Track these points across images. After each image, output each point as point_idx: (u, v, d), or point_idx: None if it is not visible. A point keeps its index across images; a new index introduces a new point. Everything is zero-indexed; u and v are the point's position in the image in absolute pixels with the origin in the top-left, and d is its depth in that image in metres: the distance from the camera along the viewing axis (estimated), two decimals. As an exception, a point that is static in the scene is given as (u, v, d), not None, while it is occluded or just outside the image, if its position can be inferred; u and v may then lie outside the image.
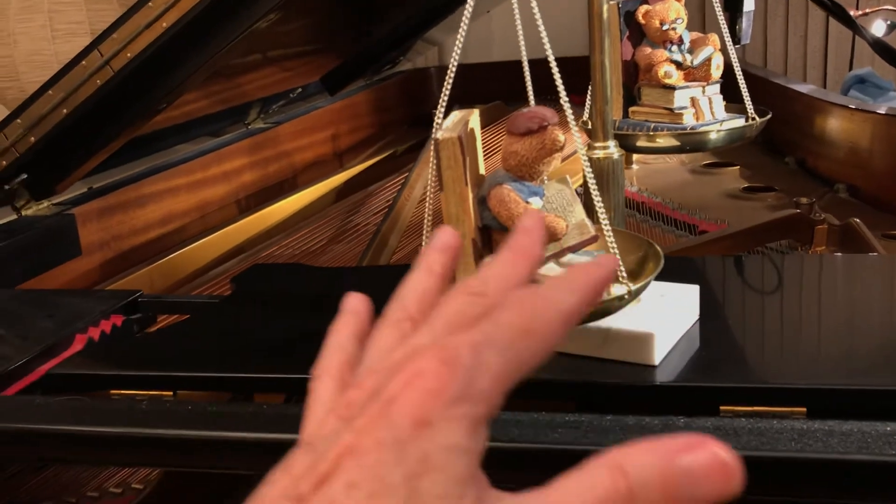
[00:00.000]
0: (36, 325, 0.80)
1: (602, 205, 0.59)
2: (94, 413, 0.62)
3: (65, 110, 1.00)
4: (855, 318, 0.73)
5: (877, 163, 1.30)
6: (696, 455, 0.22)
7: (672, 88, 0.82)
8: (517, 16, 0.64)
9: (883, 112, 1.29)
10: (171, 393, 0.69)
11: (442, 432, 0.23)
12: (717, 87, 0.84)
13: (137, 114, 1.07)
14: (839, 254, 1.07)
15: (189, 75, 1.03)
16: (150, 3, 0.94)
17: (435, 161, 0.56)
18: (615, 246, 0.58)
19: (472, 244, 0.57)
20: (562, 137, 0.57)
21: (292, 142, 1.71)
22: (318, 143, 1.81)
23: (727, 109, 0.85)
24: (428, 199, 0.62)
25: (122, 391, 0.70)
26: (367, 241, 1.25)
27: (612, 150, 0.74)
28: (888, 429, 0.50)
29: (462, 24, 0.61)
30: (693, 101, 0.82)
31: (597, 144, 0.75)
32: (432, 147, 0.56)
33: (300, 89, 1.71)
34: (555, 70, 0.58)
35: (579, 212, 0.62)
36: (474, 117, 0.60)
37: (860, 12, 1.53)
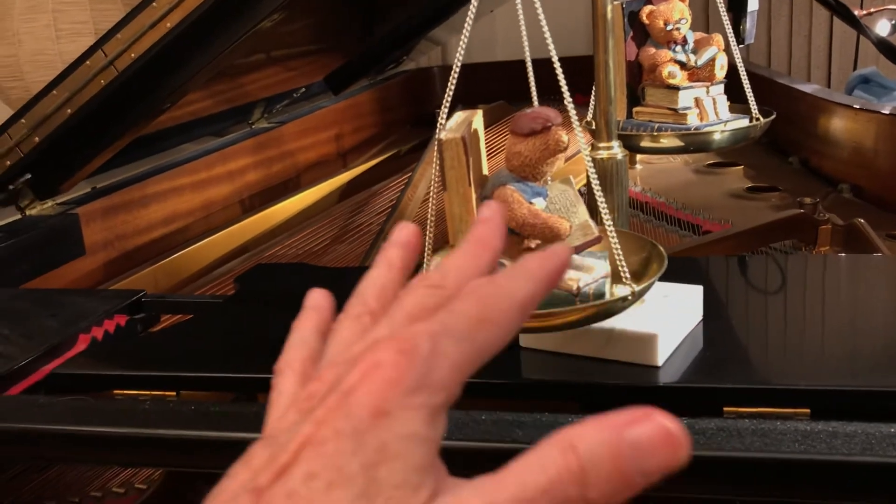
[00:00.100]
0: (40, 324, 0.80)
1: (605, 205, 0.59)
2: (97, 413, 0.62)
3: (69, 110, 1.01)
4: (859, 318, 0.73)
5: (881, 163, 1.29)
6: (642, 427, 0.23)
7: (676, 89, 0.82)
8: (521, 15, 0.64)
9: (887, 112, 1.29)
10: (174, 393, 0.69)
11: (400, 422, 0.23)
12: (721, 87, 0.84)
13: (141, 114, 1.07)
14: (843, 254, 1.07)
15: (193, 75, 1.03)
16: (154, 4, 0.94)
17: (438, 161, 0.56)
18: (618, 247, 0.58)
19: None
20: (565, 138, 0.56)
21: (296, 141, 1.71)
22: (322, 142, 1.81)
23: (731, 109, 0.85)
24: (431, 199, 0.62)
25: (126, 391, 0.70)
26: (370, 241, 1.25)
27: (616, 150, 0.74)
28: (892, 430, 0.50)
29: (466, 24, 0.61)
30: (697, 101, 0.82)
31: (600, 145, 0.75)
32: (436, 147, 0.56)
33: (304, 89, 1.72)
34: (558, 70, 0.58)
35: (583, 212, 0.62)
36: (478, 117, 0.60)
37: (864, 12, 1.53)
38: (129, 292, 0.87)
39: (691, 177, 1.48)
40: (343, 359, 0.26)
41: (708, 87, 0.83)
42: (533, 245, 0.59)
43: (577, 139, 0.60)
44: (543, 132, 0.56)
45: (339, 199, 1.58)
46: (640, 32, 0.84)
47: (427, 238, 0.63)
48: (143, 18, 0.95)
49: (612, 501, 0.23)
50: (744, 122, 0.84)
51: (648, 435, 0.23)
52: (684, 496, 0.54)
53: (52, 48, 1.77)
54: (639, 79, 0.85)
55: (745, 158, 1.53)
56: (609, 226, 0.58)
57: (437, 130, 0.58)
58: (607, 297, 0.58)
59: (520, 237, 0.58)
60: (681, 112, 0.82)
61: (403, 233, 0.32)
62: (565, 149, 0.57)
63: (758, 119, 0.84)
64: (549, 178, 0.60)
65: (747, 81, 0.82)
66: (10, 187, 1.08)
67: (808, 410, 0.56)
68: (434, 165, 0.57)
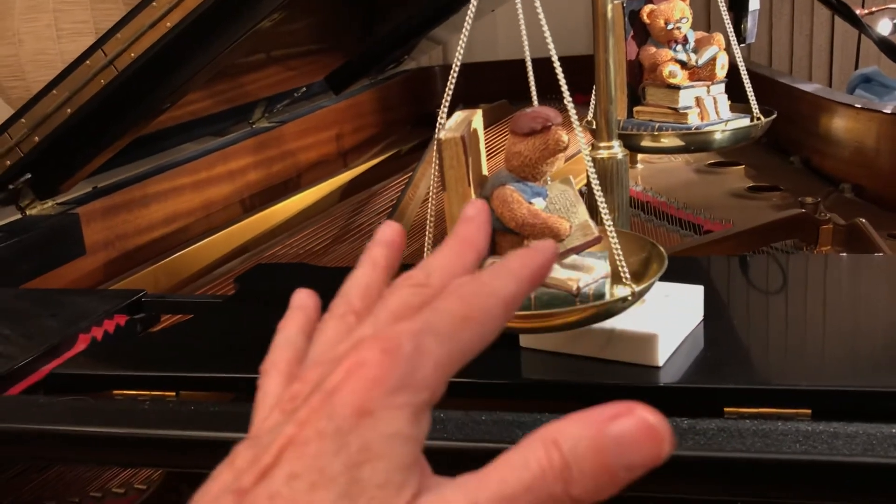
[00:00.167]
0: (40, 324, 0.80)
1: (606, 205, 0.58)
2: (96, 413, 0.62)
3: (69, 110, 1.01)
4: (860, 318, 0.73)
5: (882, 162, 1.29)
6: (625, 422, 0.23)
7: (677, 88, 0.81)
8: (521, 15, 0.64)
9: (889, 111, 1.29)
10: (173, 393, 0.69)
11: (383, 421, 0.23)
12: (722, 86, 0.84)
13: (141, 113, 1.07)
14: (844, 254, 1.06)
15: (193, 75, 1.03)
16: (154, 3, 0.94)
17: (438, 161, 0.56)
18: (618, 247, 0.58)
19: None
20: (565, 137, 0.56)
21: (296, 141, 1.71)
22: (323, 142, 1.81)
23: (732, 109, 0.85)
24: (430, 199, 0.62)
25: (125, 391, 0.70)
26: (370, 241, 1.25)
27: (617, 150, 0.74)
28: (894, 431, 0.49)
29: (465, 23, 0.61)
30: (698, 100, 0.82)
31: (601, 144, 0.75)
32: (435, 147, 0.56)
33: (304, 88, 1.71)
34: (558, 69, 0.58)
35: (583, 212, 0.62)
36: (477, 117, 0.59)
37: (866, 11, 1.53)
38: (129, 292, 0.87)
39: (692, 176, 1.48)
40: (327, 359, 0.26)
41: (709, 87, 0.83)
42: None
43: (578, 139, 0.60)
44: (543, 132, 0.55)
45: (339, 199, 1.57)
46: (641, 31, 0.84)
47: (427, 238, 0.63)
48: (143, 18, 0.95)
49: (596, 497, 0.23)
50: (745, 122, 0.83)
51: (631, 429, 0.23)
52: (685, 497, 0.54)
53: (53, 48, 1.77)
54: (639, 78, 0.85)
55: (746, 158, 1.53)
56: (609, 226, 0.58)
57: (437, 130, 0.57)
58: (607, 297, 0.58)
59: (519, 237, 0.58)
60: (681, 111, 0.81)
61: (387, 232, 0.32)
62: (565, 148, 0.56)
63: (759, 118, 0.84)
64: (548, 178, 0.60)
65: (748, 80, 0.81)
66: (11, 187, 1.08)
67: (809, 411, 0.56)
68: (433, 165, 0.57)
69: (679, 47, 0.82)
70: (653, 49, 0.83)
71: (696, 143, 0.81)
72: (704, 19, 2.67)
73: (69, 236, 1.11)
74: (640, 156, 1.52)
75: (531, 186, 0.57)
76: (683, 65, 0.82)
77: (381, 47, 1.82)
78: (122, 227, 1.22)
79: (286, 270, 1.03)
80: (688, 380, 0.61)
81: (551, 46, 0.58)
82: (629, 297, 0.57)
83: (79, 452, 0.64)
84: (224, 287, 1.12)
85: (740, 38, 0.88)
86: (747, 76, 0.81)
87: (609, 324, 0.62)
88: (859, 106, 1.37)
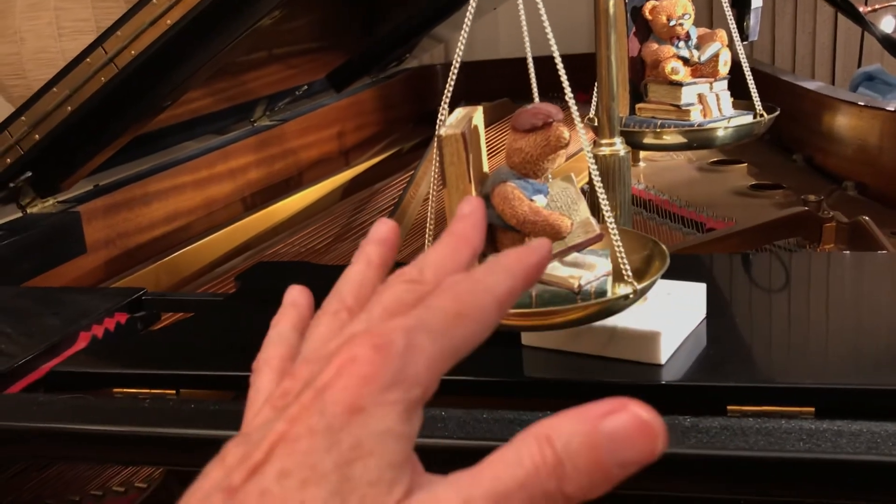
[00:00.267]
0: (40, 322, 0.79)
1: (607, 203, 0.58)
2: (96, 411, 0.62)
3: (69, 107, 1.00)
4: (864, 316, 0.73)
5: (886, 160, 1.29)
6: (618, 418, 0.23)
7: (679, 85, 0.81)
8: (522, 13, 0.64)
9: (892, 109, 1.28)
10: (174, 391, 0.68)
11: (375, 418, 0.23)
12: (725, 83, 0.83)
13: (142, 111, 1.07)
14: (847, 252, 1.06)
15: (193, 72, 1.02)
16: (154, 1, 0.94)
17: (438, 158, 0.56)
18: (620, 244, 0.57)
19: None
20: (566, 134, 0.56)
21: (298, 139, 1.70)
22: (324, 140, 1.81)
23: (735, 106, 0.85)
24: (431, 196, 0.62)
25: (125, 389, 0.69)
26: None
27: (619, 147, 0.74)
28: (898, 429, 0.49)
29: (466, 21, 0.60)
30: (700, 97, 0.81)
31: (603, 141, 0.74)
32: (435, 143, 0.56)
33: (306, 87, 1.71)
34: (560, 67, 0.57)
35: (584, 210, 0.62)
36: (478, 114, 0.59)
37: (869, 8, 1.52)
38: (130, 290, 0.87)
39: (695, 174, 1.48)
40: (318, 355, 0.26)
41: (711, 84, 0.82)
42: (534, 242, 0.59)
43: (580, 136, 0.60)
44: (544, 128, 0.55)
45: (340, 198, 1.57)
46: (643, 28, 0.84)
47: (427, 236, 0.63)
48: (144, 15, 0.94)
49: (589, 494, 0.23)
50: (748, 119, 0.83)
51: (624, 425, 0.23)
52: (688, 496, 0.54)
53: (55, 46, 1.77)
54: (641, 75, 0.85)
55: (748, 156, 1.53)
56: (611, 223, 0.58)
57: (438, 127, 0.57)
58: (609, 295, 0.58)
59: (520, 234, 0.57)
60: (684, 108, 0.81)
61: (381, 229, 0.32)
62: (566, 145, 0.56)
63: (762, 115, 0.83)
64: (549, 175, 0.60)
65: (751, 77, 0.81)
66: (11, 185, 1.08)
67: (812, 409, 0.56)
68: (434, 162, 0.57)
69: (681, 44, 0.82)
70: (655, 45, 0.83)
71: (698, 139, 0.81)
72: (707, 16, 2.67)
73: (70, 234, 1.11)
74: (642, 154, 1.51)
75: (532, 183, 0.57)
76: (686, 61, 0.82)
77: (382, 45, 1.81)
78: (122, 225, 1.22)
79: (287, 268, 1.03)
80: (690, 378, 0.61)
81: (552, 42, 0.57)
82: (631, 295, 0.57)
83: (79, 451, 0.64)
84: (225, 285, 1.12)
85: (743, 35, 0.88)
86: (750, 72, 0.81)
87: (611, 322, 0.61)
88: (862, 104, 1.36)
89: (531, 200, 0.56)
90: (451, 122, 0.57)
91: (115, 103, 1.03)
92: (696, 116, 0.81)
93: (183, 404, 0.62)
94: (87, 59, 0.98)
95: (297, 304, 0.33)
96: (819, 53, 2.72)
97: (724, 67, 0.82)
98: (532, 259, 0.28)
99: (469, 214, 0.30)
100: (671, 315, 0.64)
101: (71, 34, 1.75)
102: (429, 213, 0.62)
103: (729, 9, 0.84)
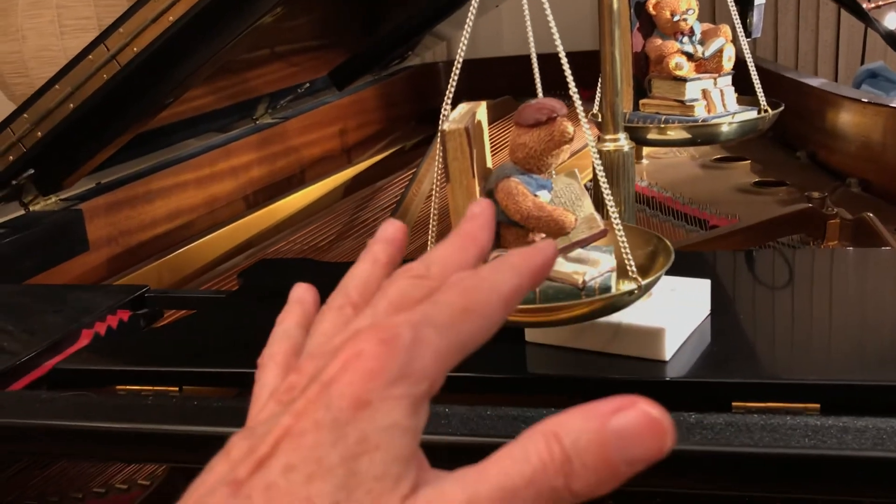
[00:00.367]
0: (43, 320, 0.79)
1: (612, 198, 0.58)
2: (99, 409, 0.62)
3: (71, 105, 1.00)
4: (868, 312, 0.72)
5: (889, 157, 1.28)
6: (627, 415, 0.23)
7: (683, 80, 0.81)
8: (526, 9, 0.63)
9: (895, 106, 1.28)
10: (176, 389, 0.68)
11: (381, 412, 0.23)
12: (729, 78, 0.83)
13: (144, 108, 1.07)
14: (851, 248, 1.06)
15: (195, 69, 1.02)
16: (156, -3, 0.93)
17: (441, 153, 0.55)
18: (625, 240, 0.57)
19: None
20: (570, 129, 0.56)
21: (300, 137, 1.70)
22: (326, 138, 1.81)
23: (739, 102, 0.84)
24: (434, 192, 0.62)
25: (128, 387, 0.69)
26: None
27: (623, 142, 0.74)
28: (904, 425, 0.49)
29: (468, 19, 0.60)
30: (704, 92, 0.81)
31: (607, 137, 0.74)
32: (439, 139, 0.55)
33: (308, 84, 1.71)
34: (564, 62, 0.57)
35: (588, 206, 0.61)
36: (481, 109, 0.59)
37: (873, 5, 1.51)
38: (132, 288, 0.87)
39: (698, 171, 1.47)
40: (324, 350, 0.26)
41: (716, 79, 0.82)
42: (537, 238, 0.58)
43: (584, 132, 0.59)
44: (548, 123, 0.55)
45: (343, 195, 1.57)
46: (647, 23, 0.83)
47: (430, 234, 0.63)
48: (146, 12, 0.94)
49: (596, 491, 0.23)
50: (752, 114, 0.83)
51: (633, 423, 0.23)
52: (693, 492, 0.54)
53: (57, 44, 1.77)
54: (645, 70, 0.85)
55: (752, 153, 1.52)
56: (615, 219, 0.57)
57: (441, 122, 0.57)
58: (613, 291, 0.58)
59: (524, 230, 0.57)
60: (688, 104, 0.81)
61: (389, 229, 0.32)
62: (571, 140, 0.56)
63: (766, 111, 0.83)
64: (553, 170, 0.60)
65: (755, 72, 0.81)
66: (14, 183, 1.08)
67: (817, 405, 0.55)
68: (437, 157, 0.57)
69: (685, 39, 0.82)
70: (659, 41, 0.83)
71: (702, 135, 0.81)
72: (710, 13, 2.66)
73: (72, 232, 1.11)
74: (645, 151, 1.51)
75: (536, 179, 0.57)
76: (690, 57, 0.81)
77: (384, 43, 1.81)
78: (125, 222, 1.22)
79: (289, 266, 1.02)
80: (695, 374, 0.60)
81: (556, 37, 0.57)
82: (635, 291, 0.56)
83: (82, 448, 0.64)
84: (228, 283, 1.12)
85: (746, 31, 0.88)
86: (754, 68, 0.80)
87: (615, 318, 0.61)
88: (866, 100, 1.36)
89: (535, 196, 0.56)
90: (454, 117, 0.57)
91: (118, 101, 1.03)
92: (700, 112, 0.81)
93: (186, 401, 0.62)
94: (90, 57, 0.98)
95: (302, 301, 0.33)
96: (822, 50, 2.71)
97: (728, 63, 0.82)
98: (538, 259, 0.28)
99: (478, 215, 0.30)
100: (676, 311, 0.64)
101: (73, 32, 1.75)
102: (432, 210, 0.61)
103: (733, 5, 0.83)
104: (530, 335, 0.66)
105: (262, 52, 1.43)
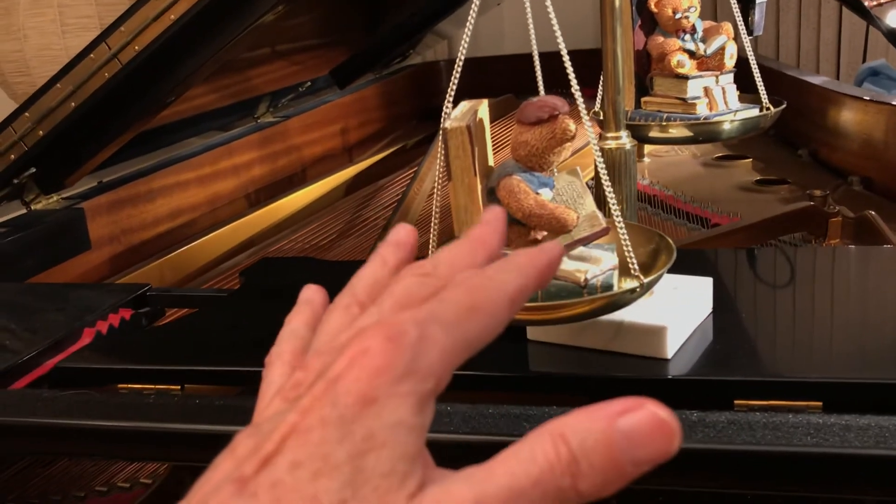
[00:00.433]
0: (45, 318, 0.79)
1: (614, 196, 0.58)
2: (101, 407, 0.62)
3: (73, 103, 1.00)
4: (870, 310, 0.72)
5: (891, 155, 1.28)
6: (635, 416, 0.23)
7: (685, 78, 0.81)
8: (528, 7, 0.63)
9: (898, 103, 1.28)
10: (178, 387, 0.68)
11: (388, 409, 0.23)
12: (731, 76, 0.83)
13: (146, 107, 1.07)
14: (853, 246, 1.05)
15: (197, 68, 1.02)
16: (157, -4, 0.93)
17: (443, 151, 0.55)
18: (627, 238, 0.57)
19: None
20: (572, 126, 0.56)
21: (302, 136, 1.70)
22: (328, 136, 1.81)
23: (740, 99, 0.84)
24: (436, 190, 0.62)
25: (130, 385, 0.69)
26: (376, 236, 1.25)
27: (625, 140, 0.73)
28: (907, 423, 0.49)
29: (470, 17, 0.60)
30: (706, 90, 0.81)
31: (609, 135, 0.74)
32: (440, 137, 0.55)
33: (309, 83, 1.71)
34: (566, 58, 0.57)
35: (590, 204, 0.61)
36: (483, 107, 0.59)
37: (875, 2, 1.51)
38: (134, 286, 0.87)
39: (700, 170, 1.47)
40: (330, 347, 0.26)
41: (717, 77, 0.82)
42: (539, 236, 0.58)
43: (585, 130, 0.59)
44: (550, 121, 0.55)
45: (345, 194, 1.57)
46: (649, 21, 0.83)
47: (432, 232, 0.63)
48: (147, 11, 0.94)
49: (602, 492, 0.23)
50: (754, 112, 0.83)
51: (641, 424, 0.23)
52: (696, 490, 0.54)
53: (58, 43, 1.77)
54: (647, 68, 0.84)
55: (753, 151, 1.52)
56: (617, 217, 0.57)
57: (443, 120, 0.57)
58: (615, 288, 0.58)
59: (526, 228, 0.57)
60: (690, 102, 0.81)
61: (401, 233, 0.32)
62: (572, 138, 0.56)
63: (768, 108, 0.83)
64: (555, 168, 0.60)
65: (757, 70, 0.81)
66: (15, 181, 1.08)
67: (820, 403, 0.55)
68: (439, 155, 0.57)
69: (687, 37, 0.82)
70: (661, 38, 0.83)
71: (704, 133, 0.80)
72: (711, 11, 2.66)
73: (74, 231, 1.11)
74: (646, 149, 1.51)
75: (538, 177, 0.57)
76: (692, 54, 0.81)
77: (385, 42, 1.81)
78: (127, 221, 1.22)
79: (291, 264, 1.02)
80: (697, 372, 0.60)
81: (558, 35, 0.57)
82: (637, 289, 0.56)
83: (83, 446, 0.64)
84: (229, 282, 1.12)
85: (748, 30, 0.88)
86: (756, 66, 0.80)
87: (617, 316, 0.61)
88: (868, 98, 1.36)
89: (537, 194, 0.56)
90: (455, 115, 0.57)
91: (119, 99, 1.03)
92: (701, 110, 0.81)
93: (188, 400, 0.62)
94: (91, 55, 0.98)
95: (311, 301, 0.33)
96: (823, 48, 2.71)
97: (729, 60, 0.82)
98: (543, 260, 0.28)
99: (491, 221, 0.30)
100: (678, 309, 0.64)
101: (75, 31, 1.75)
102: (433, 209, 0.61)
103: (734, 3, 0.83)
104: (532, 333, 0.66)
105: (264, 50, 1.43)
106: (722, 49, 0.81)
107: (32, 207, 1.14)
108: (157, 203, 1.28)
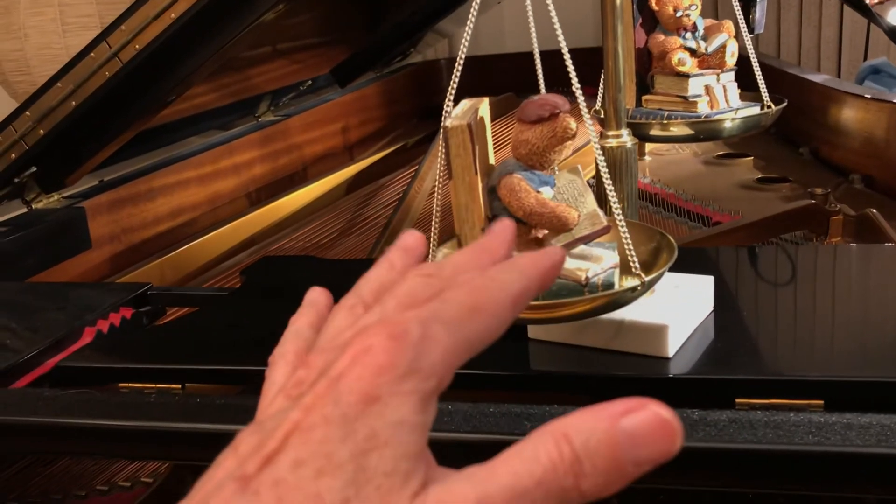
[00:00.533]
0: (45, 317, 0.79)
1: (615, 195, 0.58)
2: (102, 406, 0.62)
3: (74, 102, 1.00)
4: (872, 308, 0.72)
5: (892, 153, 1.28)
6: (637, 416, 0.23)
7: (686, 76, 0.80)
8: (528, 6, 0.63)
9: (899, 101, 1.28)
10: (179, 386, 0.68)
11: (390, 408, 0.23)
12: (732, 74, 0.83)
13: (146, 106, 1.07)
14: (854, 244, 1.05)
15: (198, 67, 1.02)
16: (157, -5, 0.93)
17: (444, 150, 0.55)
18: (628, 236, 0.57)
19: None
20: (573, 125, 0.55)
21: (302, 134, 1.70)
22: (329, 135, 1.81)
23: (742, 98, 0.84)
24: (437, 189, 0.62)
25: (131, 384, 0.69)
26: (377, 234, 1.24)
27: (626, 138, 0.73)
28: (908, 421, 0.49)
29: (470, 15, 0.60)
30: (707, 88, 0.81)
31: (609, 133, 0.74)
32: (441, 135, 0.55)
33: (310, 82, 1.71)
34: (567, 58, 0.57)
35: (591, 202, 0.61)
36: (484, 106, 0.59)
37: (876, 1, 1.51)
38: (135, 285, 0.87)
39: (701, 168, 1.47)
40: (333, 345, 0.26)
41: (718, 75, 0.82)
42: (541, 235, 0.58)
43: (586, 128, 0.59)
44: (551, 119, 0.55)
45: (345, 192, 1.57)
46: (650, 19, 0.83)
47: (433, 230, 0.62)
48: (148, 9, 0.94)
49: (605, 492, 0.23)
50: (755, 110, 0.83)
51: (644, 424, 0.23)
52: (697, 489, 0.54)
53: (59, 42, 1.77)
54: (648, 66, 0.84)
55: (755, 149, 1.52)
56: (618, 215, 0.57)
57: (443, 119, 0.57)
58: (616, 287, 0.58)
59: (527, 227, 0.57)
60: (691, 100, 0.81)
61: (409, 239, 0.32)
62: (573, 136, 0.56)
63: (769, 106, 0.83)
64: (556, 166, 0.60)
65: (758, 68, 0.80)
66: (16, 181, 1.08)
67: (821, 402, 0.55)
68: (440, 154, 0.57)
69: (688, 35, 0.81)
70: (662, 37, 0.82)
71: (705, 131, 0.80)
72: (712, 9, 2.66)
73: (75, 230, 1.11)
74: (648, 147, 1.51)
75: (539, 175, 0.57)
76: (693, 52, 0.81)
77: (386, 40, 1.81)
78: (127, 220, 1.22)
79: (292, 263, 1.02)
80: (698, 371, 0.60)
81: (559, 33, 0.57)
82: (638, 288, 0.56)
83: (84, 445, 0.64)
84: (230, 281, 1.12)
85: (749, 27, 0.88)
86: (757, 64, 0.80)
87: (618, 314, 0.61)
88: (869, 96, 1.35)
89: (538, 192, 0.56)
90: (456, 113, 0.56)
91: (120, 98, 1.03)
92: (703, 108, 0.81)
93: (188, 399, 0.62)
94: (91, 54, 0.98)
95: (315, 303, 0.33)
96: (825, 46, 2.70)
97: (731, 58, 0.82)
98: (546, 263, 0.28)
99: (500, 232, 0.30)
100: (679, 308, 0.64)
101: (75, 30, 1.75)
102: (434, 207, 0.61)
103: (735, 1, 0.83)
104: (533, 332, 0.66)
105: (265, 49, 1.43)
106: (723, 47, 0.81)
107: (33, 206, 1.14)
108: (157, 202, 1.28)
